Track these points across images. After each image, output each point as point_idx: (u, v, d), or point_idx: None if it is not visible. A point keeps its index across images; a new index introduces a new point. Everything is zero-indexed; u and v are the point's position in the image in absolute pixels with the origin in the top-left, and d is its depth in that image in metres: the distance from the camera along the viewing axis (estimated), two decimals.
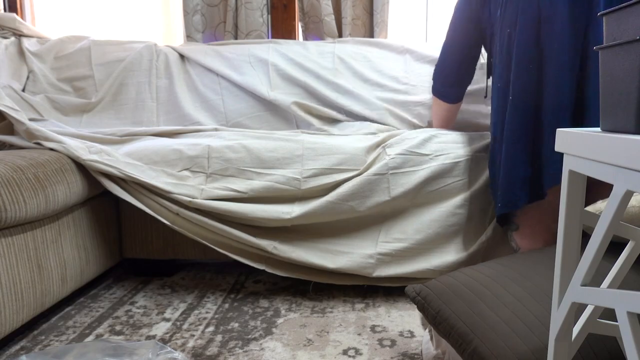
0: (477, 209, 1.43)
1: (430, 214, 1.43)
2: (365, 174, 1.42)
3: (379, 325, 1.26)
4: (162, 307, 1.40)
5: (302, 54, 1.92)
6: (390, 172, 1.43)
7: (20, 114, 1.49)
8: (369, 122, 1.76)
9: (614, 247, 0.83)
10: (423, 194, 1.43)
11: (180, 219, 1.40)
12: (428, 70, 1.86)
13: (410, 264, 1.42)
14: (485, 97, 1.62)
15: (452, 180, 1.43)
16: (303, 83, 1.85)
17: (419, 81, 1.85)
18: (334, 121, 1.81)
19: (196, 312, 1.36)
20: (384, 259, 1.41)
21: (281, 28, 2.15)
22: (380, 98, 1.82)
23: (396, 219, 1.45)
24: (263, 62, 1.90)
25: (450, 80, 1.56)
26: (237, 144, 1.48)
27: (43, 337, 1.22)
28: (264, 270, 1.67)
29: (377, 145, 1.50)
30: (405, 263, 1.42)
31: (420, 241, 1.41)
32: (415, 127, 1.77)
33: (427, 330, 1.20)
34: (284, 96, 1.82)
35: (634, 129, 0.56)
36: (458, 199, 1.43)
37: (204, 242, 1.42)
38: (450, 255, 1.41)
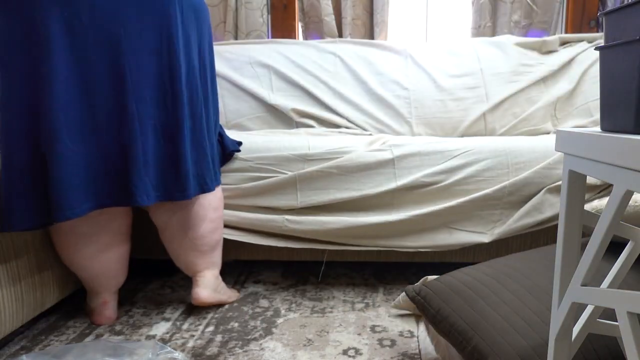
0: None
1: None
2: (366, 150, 1.44)
3: (379, 325, 1.26)
4: (162, 307, 1.40)
5: (303, 54, 1.93)
6: (393, 148, 1.43)
7: None
8: (369, 133, 1.77)
9: (614, 247, 0.83)
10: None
11: None
12: (429, 75, 1.86)
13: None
14: None
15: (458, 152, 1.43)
16: (304, 87, 1.85)
17: (421, 86, 1.85)
18: (334, 126, 1.82)
19: (196, 311, 1.36)
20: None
21: (281, 28, 2.15)
22: (381, 105, 1.82)
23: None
24: (264, 63, 1.90)
25: None
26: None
27: (43, 337, 1.22)
28: (264, 270, 1.68)
29: (378, 139, 1.53)
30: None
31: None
32: (415, 135, 1.78)
33: (426, 331, 1.20)
34: (284, 100, 1.83)
35: (634, 129, 0.56)
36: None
37: None
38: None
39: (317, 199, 1.41)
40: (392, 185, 1.40)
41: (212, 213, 1.34)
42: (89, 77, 1.10)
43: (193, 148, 1.24)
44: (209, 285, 1.34)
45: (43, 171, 1.07)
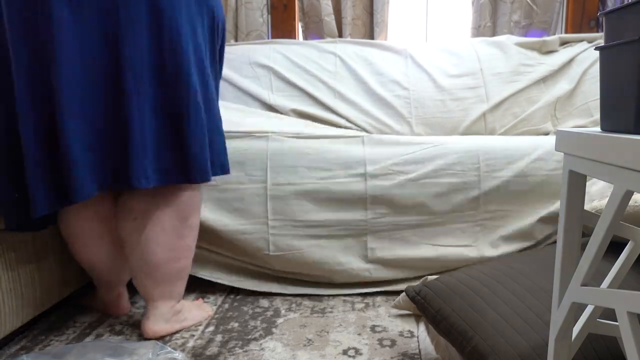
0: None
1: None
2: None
3: (379, 325, 1.26)
4: None
5: (303, 54, 1.92)
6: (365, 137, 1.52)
7: None
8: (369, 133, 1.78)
9: (614, 247, 0.83)
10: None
11: None
12: (429, 75, 1.86)
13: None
14: None
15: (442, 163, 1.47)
16: (304, 87, 1.85)
17: (421, 86, 1.85)
18: (334, 126, 1.81)
19: None
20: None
21: (281, 28, 2.15)
22: (381, 105, 1.83)
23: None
24: (264, 64, 1.90)
25: None
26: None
27: (43, 337, 1.22)
28: None
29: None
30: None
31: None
32: (415, 135, 1.78)
33: (426, 331, 1.20)
34: (284, 100, 1.83)
35: (634, 129, 0.56)
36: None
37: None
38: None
39: (290, 186, 1.44)
40: (361, 169, 1.45)
41: (177, 241, 1.17)
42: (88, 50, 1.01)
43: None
44: (161, 317, 1.20)
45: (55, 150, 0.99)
